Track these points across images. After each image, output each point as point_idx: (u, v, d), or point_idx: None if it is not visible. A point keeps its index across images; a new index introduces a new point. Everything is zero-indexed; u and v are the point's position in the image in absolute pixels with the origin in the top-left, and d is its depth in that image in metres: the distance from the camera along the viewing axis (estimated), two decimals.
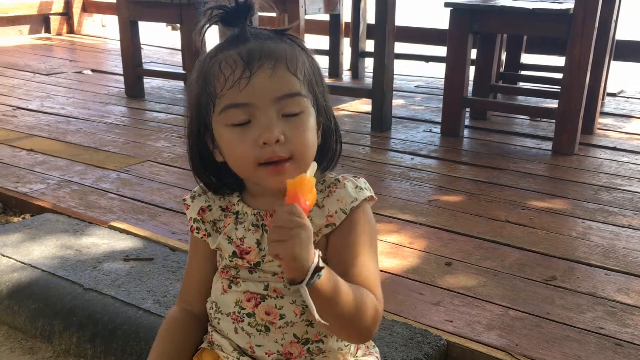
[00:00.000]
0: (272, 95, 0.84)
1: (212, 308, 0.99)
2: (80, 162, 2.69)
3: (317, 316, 0.78)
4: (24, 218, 2.17)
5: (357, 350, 0.99)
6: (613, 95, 4.01)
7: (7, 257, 1.78)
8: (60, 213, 2.12)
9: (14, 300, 1.63)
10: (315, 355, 0.92)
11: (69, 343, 1.50)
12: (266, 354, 0.92)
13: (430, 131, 3.24)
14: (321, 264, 0.79)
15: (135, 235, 1.95)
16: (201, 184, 0.99)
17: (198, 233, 0.99)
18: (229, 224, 0.95)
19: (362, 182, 0.94)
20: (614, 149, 2.96)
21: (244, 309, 0.93)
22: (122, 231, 1.97)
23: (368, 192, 0.93)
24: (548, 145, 2.97)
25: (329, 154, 0.96)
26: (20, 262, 1.75)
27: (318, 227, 0.89)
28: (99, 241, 1.89)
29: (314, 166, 0.85)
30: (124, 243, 1.89)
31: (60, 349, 1.51)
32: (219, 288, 0.98)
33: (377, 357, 1.03)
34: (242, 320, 0.93)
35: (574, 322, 1.52)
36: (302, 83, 0.86)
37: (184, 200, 1.02)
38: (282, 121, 0.84)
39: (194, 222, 0.99)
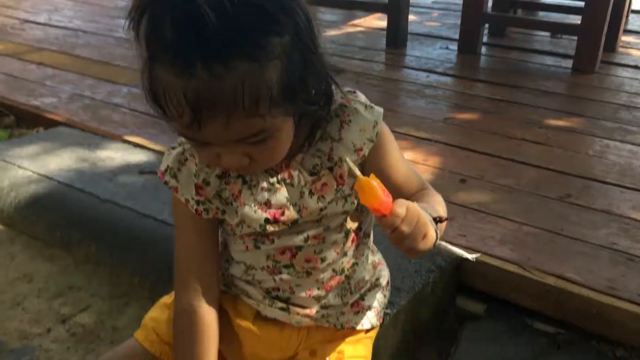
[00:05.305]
0: (231, 138, 0.69)
1: (234, 268, 0.91)
2: (91, 76, 2.66)
3: (470, 256, 0.79)
4: (37, 131, 2.17)
5: (370, 259, 0.99)
6: (637, 12, 3.86)
7: (23, 168, 1.79)
8: (74, 127, 2.12)
9: (31, 211, 1.65)
10: (350, 278, 0.92)
11: (88, 252, 1.53)
12: (306, 293, 0.90)
13: (447, 48, 3.15)
14: (433, 214, 0.78)
15: (149, 149, 1.95)
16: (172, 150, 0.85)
17: (208, 214, 0.84)
18: (240, 191, 0.82)
19: (362, 96, 0.86)
20: (636, 67, 2.88)
21: (279, 262, 0.87)
22: (136, 145, 1.97)
23: (378, 107, 0.85)
24: (568, 63, 2.89)
25: (320, 123, 0.81)
26: (37, 173, 1.76)
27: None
28: (114, 155, 1.89)
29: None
30: (138, 157, 1.89)
31: (80, 258, 1.54)
32: (240, 249, 0.89)
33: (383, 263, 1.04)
34: (280, 272, 0.88)
35: (587, 237, 1.53)
36: (271, 106, 0.67)
37: (165, 182, 0.84)
38: (248, 146, 0.71)
39: (197, 205, 0.83)
